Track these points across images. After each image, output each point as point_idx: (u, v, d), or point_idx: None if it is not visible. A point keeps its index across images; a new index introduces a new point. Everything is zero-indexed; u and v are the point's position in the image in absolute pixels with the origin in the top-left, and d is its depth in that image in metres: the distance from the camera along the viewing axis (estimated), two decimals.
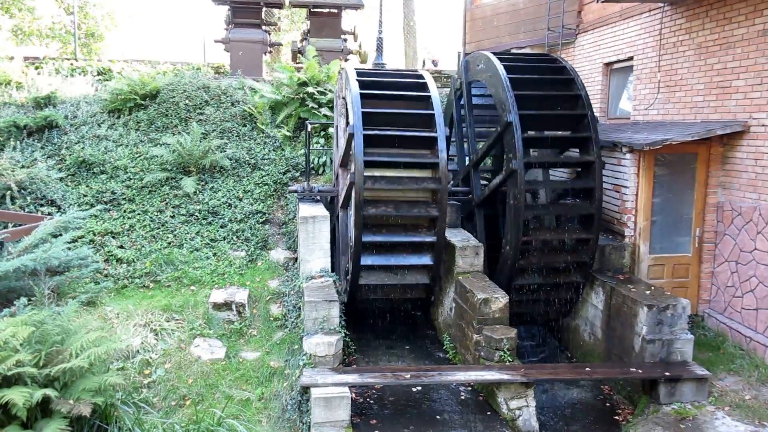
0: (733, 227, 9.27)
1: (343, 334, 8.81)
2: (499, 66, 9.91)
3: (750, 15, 8.84)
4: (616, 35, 12.18)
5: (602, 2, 11.04)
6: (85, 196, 11.99)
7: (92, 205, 11.76)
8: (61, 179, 12.17)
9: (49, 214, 11.19)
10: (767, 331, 8.52)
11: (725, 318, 9.38)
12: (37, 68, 16.06)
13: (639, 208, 9.82)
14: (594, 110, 10.04)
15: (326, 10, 18.75)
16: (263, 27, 18.50)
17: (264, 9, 18.64)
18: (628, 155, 9.80)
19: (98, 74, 16.44)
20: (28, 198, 11.43)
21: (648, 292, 8.80)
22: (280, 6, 19.29)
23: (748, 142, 8.92)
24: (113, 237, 11.35)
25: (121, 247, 11.19)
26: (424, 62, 25.28)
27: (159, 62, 18.21)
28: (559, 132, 10.31)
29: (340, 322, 8.81)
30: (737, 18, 9.08)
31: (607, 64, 12.71)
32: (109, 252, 10.98)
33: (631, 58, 11.79)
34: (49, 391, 6.16)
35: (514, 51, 15.32)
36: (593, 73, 13.07)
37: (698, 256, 9.88)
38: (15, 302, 8.24)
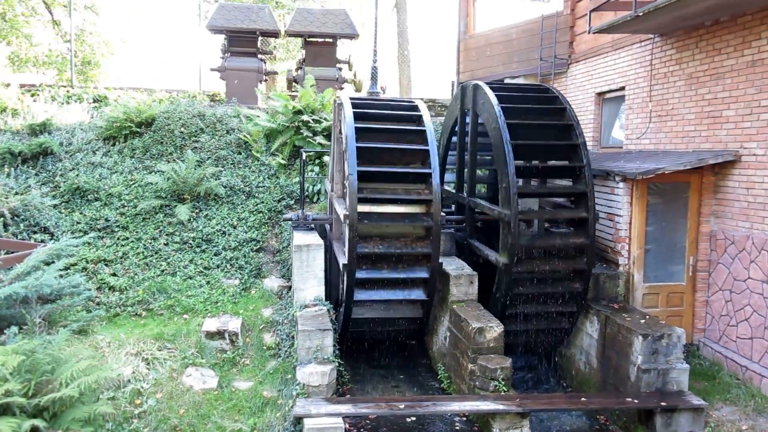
0: (727, 256, 9.30)
1: (337, 364, 8.74)
2: (492, 97, 9.98)
3: (739, 46, 8.99)
4: (608, 65, 12.35)
5: (594, 33, 11.19)
6: (78, 223, 11.95)
7: (86, 233, 11.72)
8: (54, 206, 12.14)
9: (42, 241, 11.13)
10: (762, 360, 8.50)
11: (720, 347, 9.36)
12: (33, 95, 16.13)
13: (633, 236, 9.86)
14: (586, 139, 10.12)
15: (321, 40, 18.94)
16: (259, 56, 18.65)
17: (260, 38, 18.81)
18: (621, 184, 9.86)
19: (94, 101, 16.51)
20: (21, 225, 11.39)
21: (643, 321, 8.78)
22: (276, 35, 19.48)
23: (740, 171, 9.00)
24: (106, 264, 11.29)
25: (114, 274, 11.12)
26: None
27: (155, 90, 18.30)
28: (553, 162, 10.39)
29: (333, 352, 8.75)
30: (726, 49, 9.23)
31: (600, 94, 12.86)
32: (101, 280, 10.91)
33: (622, 88, 11.93)
34: (38, 422, 6.09)
35: (507, 80, 15.48)
36: (586, 102, 13.21)
37: (692, 284, 9.90)
38: (5, 331, 8.17)
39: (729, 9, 8.78)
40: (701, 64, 9.75)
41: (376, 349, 10.57)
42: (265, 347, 9.82)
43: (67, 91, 16.93)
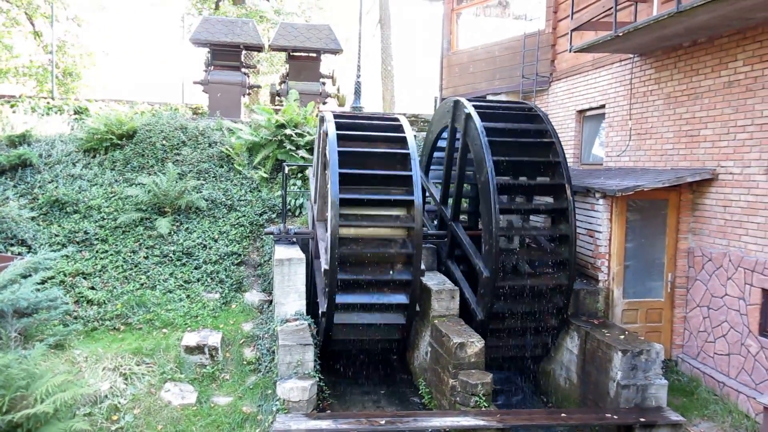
0: (704, 273, 9.41)
1: (318, 379, 8.68)
2: (475, 115, 10.06)
3: (716, 67, 9.16)
4: (589, 83, 12.51)
5: (575, 52, 11.34)
6: (57, 235, 11.81)
7: (64, 245, 11.59)
8: (33, 218, 11.99)
9: (19, 254, 10.99)
10: (740, 377, 8.59)
11: (698, 363, 9.45)
12: (12, 106, 15.97)
13: (612, 252, 9.95)
14: (567, 156, 10.22)
15: (305, 54, 19.01)
16: (242, 69, 18.66)
17: (243, 52, 18.83)
18: (600, 200, 9.96)
19: (75, 113, 16.38)
20: None
21: (622, 336, 8.84)
22: (260, 49, 19.51)
23: (717, 189, 9.14)
24: (84, 278, 11.15)
25: (93, 288, 10.99)
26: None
27: (137, 102, 18.22)
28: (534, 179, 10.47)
29: (314, 367, 8.70)
30: (704, 70, 9.40)
31: (580, 111, 13.01)
32: (79, 293, 10.77)
33: (603, 106, 12.09)
34: None
35: (489, 97, 15.62)
36: (567, 119, 13.36)
37: (671, 301, 10.00)
38: None
39: (706, 31, 8.95)
40: (679, 84, 9.92)
41: (358, 364, 10.51)
42: (245, 362, 9.74)
43: (48, 103, 16.78)
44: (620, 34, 9.40)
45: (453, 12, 17.60)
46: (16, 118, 14.85)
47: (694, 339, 9.64)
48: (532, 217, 12.21)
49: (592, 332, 9.06)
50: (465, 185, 11.65)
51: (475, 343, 8.56)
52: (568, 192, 9.49)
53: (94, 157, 14.07)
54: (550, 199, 10.28)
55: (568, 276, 9.45)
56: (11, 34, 26.41)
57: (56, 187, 12.73)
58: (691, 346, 9.70)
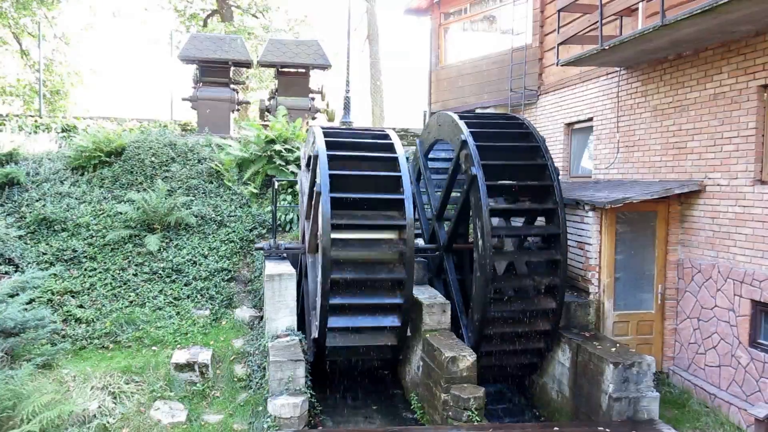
0: (694, 284, 9.45)
1: (309, 395, 8.62)
2: (465, 128, 10.09)
3: (701, 80, 9.26)
4: (576, 97, 12.61)
5: (561, 66, 11.43)
6: (44, 254, 11.70)
7: (52, 264, 11.48)
8: (20, 237, 11.89)
9: (6, 273, 10.88)
10: (730, 388, 8.60)
11: (690, 375, 9.45)
12: None
13: (602, 265, 9.98)
14: (557, 168, 10.23)
15: (294, 70, 19.05)
16: (231, 85, 18.67)
17: (232, 68, 18.86)
18: (590, 213, 10.00)
19: (63, 131, 16.32)
20: None
21: (614, 349, 8.84)
22: (249, 65, 19.55)
23: (705, 201, 9.20)
24: (73, 296, 11.05)
25: (81, 306, 10.89)
26: None
27: (125, 119, 18.18)
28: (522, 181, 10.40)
29: (306, 383, 8.64)
30: (689, 83, 9.50)
31: (569, 124, 13.10)
32: (67, 312, 10.66)
33: (591, 119, 12.18)
34: None
35: (478, 110, 15.70)
36: (555, 132, 13.44)
37: (661, 312, 10.02)
38: None
39: (691, 44, 9.06)
40: (666, 96, 10.01)
41: (350, 380, 10.45)
42: (236, 379, 9.66)
43: (35, 121, 16.71)
44: (606, 48, 9.49)
45: (440, 27, 17.74)
46: (3, 137, 14.75)
47: (684, 351, 9.66)
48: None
49: (584, 345, 9.06)
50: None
51: (467, 357, 8.53)
52: (562, 217, 9.48)
53: (83, 174, 14.00)
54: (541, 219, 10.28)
55: (559, 276, 9.44)
56: None
57: (44, 206, 12.64)
58: (682, 357, 9.71)
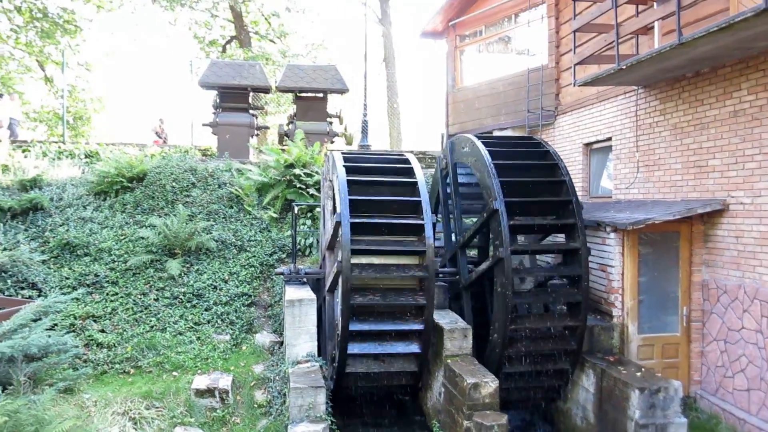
0: (720, 306, 9.28)
1: (330, 422, 8.54)
2: (484, 151, 10.08)
3: (720, 97, 9.18)
4: (594, 116, 12.55)
5: (579, 85, 11.41)
6: (67, 278, 11.82)
7: (74, 288, 11.59)
8: (43, 262, 12.03)
9: (30, 297, 10.99)
10: (761, 413, 8.38)
11: (717, 399, 9.24)
12: (24, 151, 16.19)
13: (625, 287, 9.84)
14: (576, 188, 10.18)
15: (312, 95, 19.21)
16: (250, 111, 18.87)
17: (251, 93, 19.07)
18: (612, 235, 9.89)
19: (86, 157, 16.58)
20: (9, 281, 11.25)
21: (639, 373, 8.68)
22: (267, 91, 19.76)
23: (728, 220, 9.07)
24: (94, 321, 11.12)
25: (103, 331, 10.95)
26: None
27: (147, 145, 18.43)
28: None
29: (326, 409, 8.57)
30: (708, 100, 9.42)
31: (587, 144, 13.03)
32: (89, 336, 10.73)
33: (609, 139, 12.10)
34: None
35: (496, 132, 15.69)
36: (573, 152, 13.37)
37: (687, 335, 9.83)
38: None
39: (709, 61, 9.00)
40: (685, 114, 9.93)
41: (370, 406, 10.35)
42: (256, 405, 9.62)
43: (59, 147, 17.00)
44: (623, 67, 9.45)
45: (456, 49, 17.83)
46: (28, 163, 15.04)
47: (712, 374, 9.45)
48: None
49: (608, 370, 8.91)
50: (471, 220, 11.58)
51: (489, 384, 8.41)
52: (581, 233, 9.41)
53: (105, 199, 14.18)
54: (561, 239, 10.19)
55: (580, 317, 9.32)
56: (23, 80, 26.94)
57: (67, 230, 12.80)
58: (710, 381, 9.50)
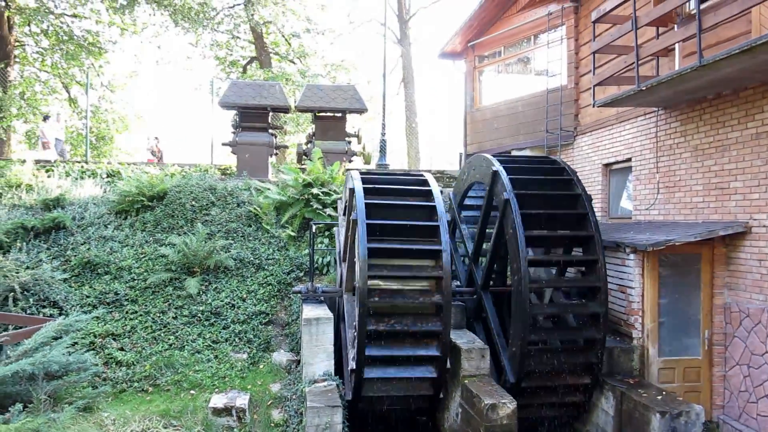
0: (742, 329, 9.13)
1: None
2: (503, 172, 10.11)
3: (742, 119, 9.11)
4: (614, 137, 12.51)
5: (598, 106, 11.39)
6: (87, 297, 11.94)
7: (95, 306, 11.70)
8: (65, 280, 12.17)
9: (51, 315, 11.11)
10: None
11: (741, 425, 9.06)
12: (47, 171, 16.45)
13: (645, 309, 9.73)
14: (595, 209, 10.16)
15: (331, 114, 19.35)
16: (269, 130, 19.03)
17: (270, 113, 19.26)
18: (631, 256, 9.81)
19: (108, 176, 16.81)
20: (31, 299, 11.39)
21: (660, 397, 8.55)
22: (287, 110, 19.93)
23: (751, 242, 8.96)
24: (114, 339, 11.21)
25: (122, 349, 11.03)
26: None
27: (168, 164, 18.65)
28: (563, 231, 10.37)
29: (343, 429, 8.53)
30: (730, 122, 9.36)
31: (606, 165, 12.97)
32: (108, 354, 10.81)
33: (629, 159, 12.05)
34: None
35: (514, 152, 15.69)
36: (593, 173, 13.32)
37: (709, 359, 9.68)
38: (10, 408, 8.05)
39: (731, 83, 8.96)
40: (706, 136, 9.87)
41: (387, 428, 10.28)
42: (273, 424, 9.60)
43: (82, 167, 17.26)
44: (643, 89, 9.43)
45: (475, 69, 17.91)
46: (51, 182, 15.29)
47: (735, 399, 9.28)
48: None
49: (628, 392, 8.79)
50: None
51: (507, 405, 8.33)
52: (598, 245, 9.36)
53: (126, 218, 14.35)
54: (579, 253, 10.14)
55: (600, 330, 9.24)
56: (48, 101, 27.46)
57: (88, 249, 12.96)
58: (733, 406, 9.33)
